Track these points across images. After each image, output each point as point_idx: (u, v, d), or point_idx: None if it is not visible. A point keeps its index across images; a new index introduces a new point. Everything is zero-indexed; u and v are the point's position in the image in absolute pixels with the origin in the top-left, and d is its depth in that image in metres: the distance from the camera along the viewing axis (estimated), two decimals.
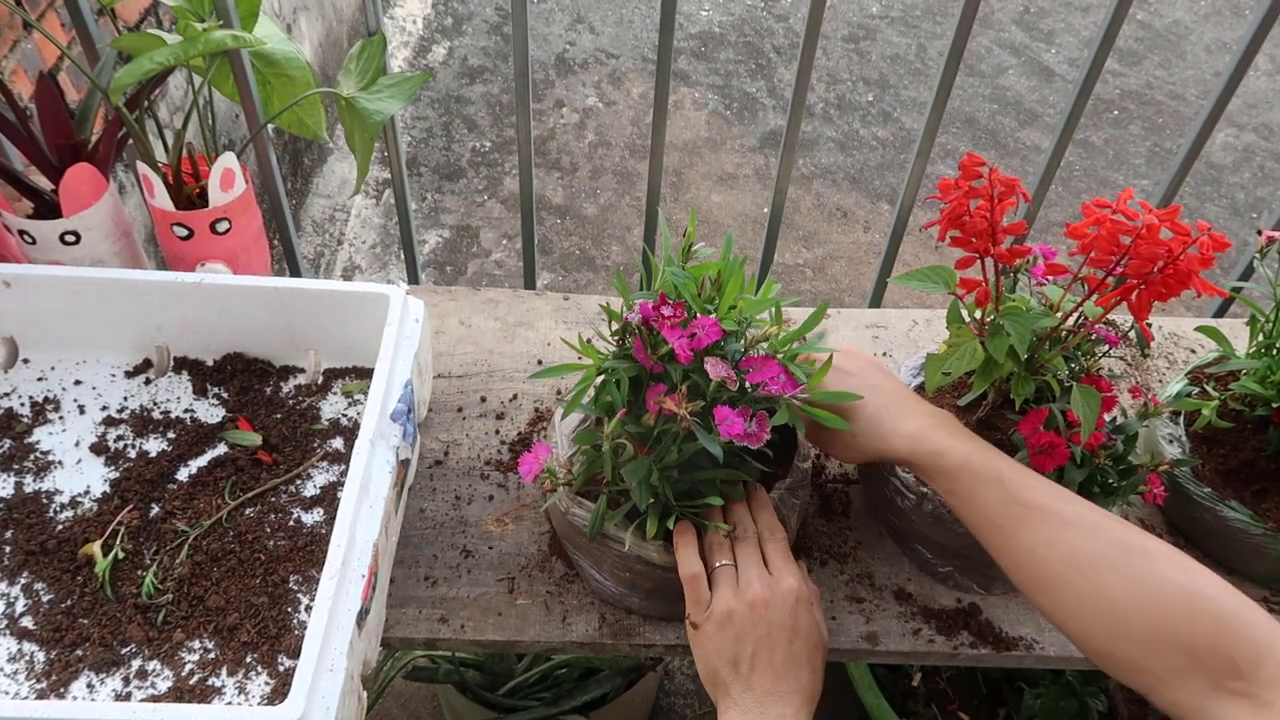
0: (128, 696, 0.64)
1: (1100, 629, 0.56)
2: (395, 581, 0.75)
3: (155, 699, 0.64)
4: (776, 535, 0.67)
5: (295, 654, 0.67)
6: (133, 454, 0.78)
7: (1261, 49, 1.19)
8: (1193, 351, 1.01)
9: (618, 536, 0.67)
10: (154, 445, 0.79)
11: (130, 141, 0.83)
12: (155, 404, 0.82)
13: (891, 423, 0.66)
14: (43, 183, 0.83)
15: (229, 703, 0.64)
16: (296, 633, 0.68)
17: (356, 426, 0.82)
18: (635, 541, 0.66)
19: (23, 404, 0.81)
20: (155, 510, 0.75)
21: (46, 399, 0.81)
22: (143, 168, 0.81)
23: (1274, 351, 0.77)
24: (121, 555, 0.71)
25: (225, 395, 0.83)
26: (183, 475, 0.77)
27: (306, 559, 0.72)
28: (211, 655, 0.67)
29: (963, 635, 0.75)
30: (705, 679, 0.64)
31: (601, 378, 0.64)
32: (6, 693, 0.64)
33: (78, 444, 0.79)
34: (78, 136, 0.81)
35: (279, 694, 0.65)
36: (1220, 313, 1.16)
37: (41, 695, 0.64)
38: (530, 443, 0.85)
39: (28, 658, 0.66)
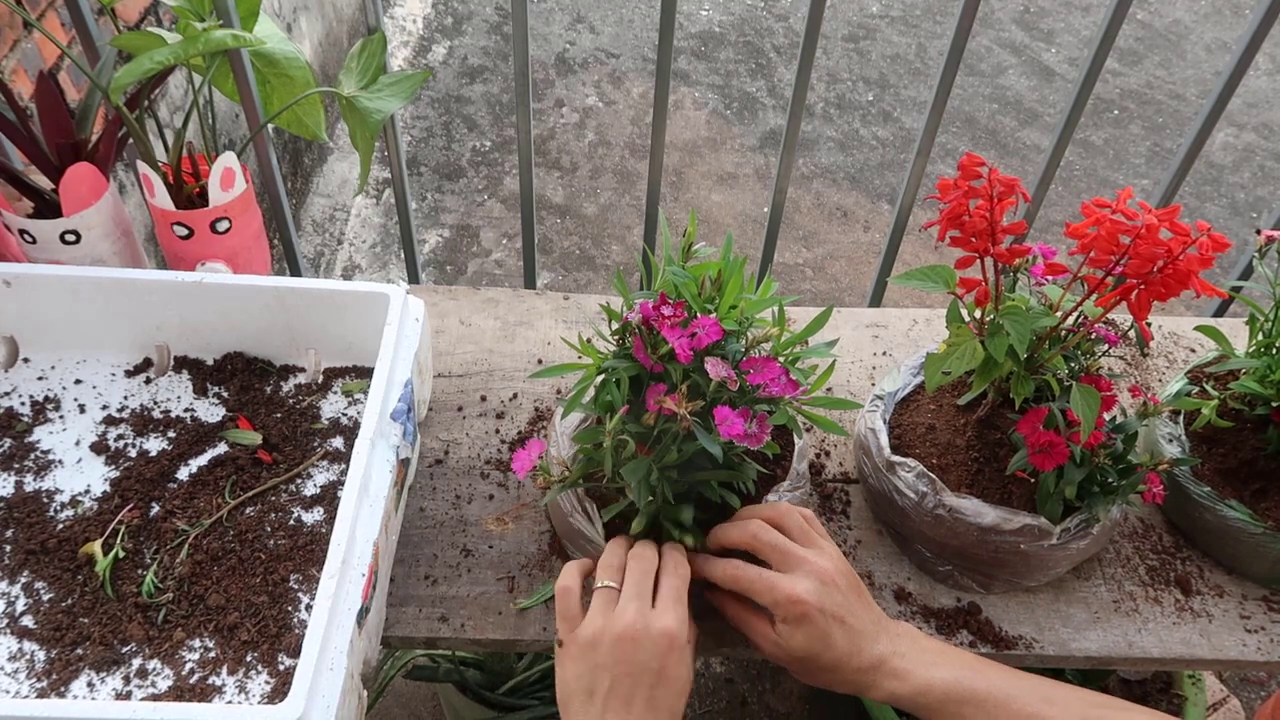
0: (128, 695, 0.64)
1: None
2: (395, 580, 0.75)
3: (155, 698, 0.64)
4: (678, 572, 0.63)
5: (295, 653, 0.67)
6: (133, 453, 0.79)
7: (1261, 49, 1.19)
8: (1192, 351, 1.01)
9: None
10: (154, 444, 0.79)
11: (130, 141, 0.83)
12: (155, 403, 0.82)
13: (858, 676, 0.62)
14: (43, 182, 0.83)
15: (229, 702, 0.64)
16: (297, 631, 0.68)
17: (356, 426, 0.82)
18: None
19: (23, 403, 0.81)
20: (155, 509, 0.75)
21: (47, 398, 0.82)
22: (143, 167, 0.81)
23: (1273, 350, 0.77)
24: (122, 554, 0.71)
25: (225, 394, 0.84)
26: (183, 474, 0.78)
27: (307, 558, 0.72)
28: (212, 654, 0.67)
29: (962, 634, 0.75)
30: (560, 706, 0.60)
31: (601, 377, 0.64)
32: (7, 692, 0.64)
33: (78, 443, 0.79)
34: (78, 136, 0.81)
35: (279, 693, 0.65)
36: (1220, 312, 1.16)
37: (42, 694, 0.64)
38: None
39: (28, 657, 0.66)
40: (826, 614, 0.61)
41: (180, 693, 0.64)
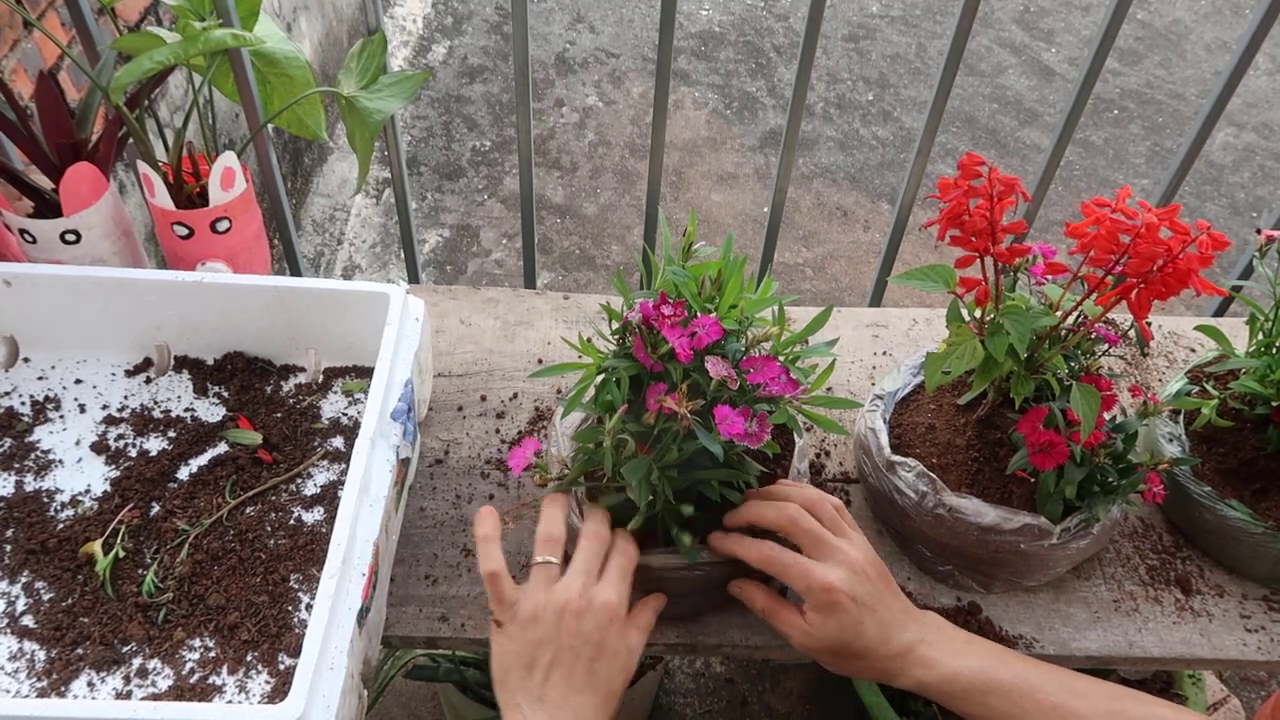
0: (128, 695, 0.64)
1: None
2: (395, 580, 0.75)
3: (156, 697, 0.64)
4: (626, 552, 0.63)
5: (295, 652, 0.67)
6: (133, 453, 0.79)
7: (1261, 48, 1.19)
8: (1192, 350, 1.01)
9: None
10: (154, 444, 0.79)
11: (130, 140, 0.83)
12: (156, 403, 0.82)
13: (886, 664, 0.63)
14: (43, 182, 0.83)
15: (229, 701, 0.64)
16: (297, 631, 0.68)
17: (357, 425, 0.82)
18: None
19: (23, 403, 0.81)
20: (156, 509, 0.75)
21: (47, 398, 0.82)
22: (143, 167, 0.81)
23: (1274, 350, 0.77)
24: (122, 554, 0.71)
25: (226, 394, 0.84)
26: (183, 474, 0.78)
27: (307, 557, 0.72)
28: (212, 654, 0.67)
29: (963, 631, 0.75)
30: (495, 682, 0.60)
31: (601, 377, 0.64)
32: (7, 691, 0.64)
33: (78, 443, 0.79)
34: (78, 136, 0.81)
35: (279, 692, 0.65)
36: (1220, 312, 1.16)
37: (42, 694, 0.64)
38: None
39: (28, 656, 0.66)
40: (858, 602, 0.62)
41: (180, 692, 0.64)
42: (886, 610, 0.63)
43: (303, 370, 0.86)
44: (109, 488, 0.76)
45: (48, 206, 0.82)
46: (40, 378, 0.83)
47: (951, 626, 0.66)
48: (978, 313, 0.67)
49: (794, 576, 0.63)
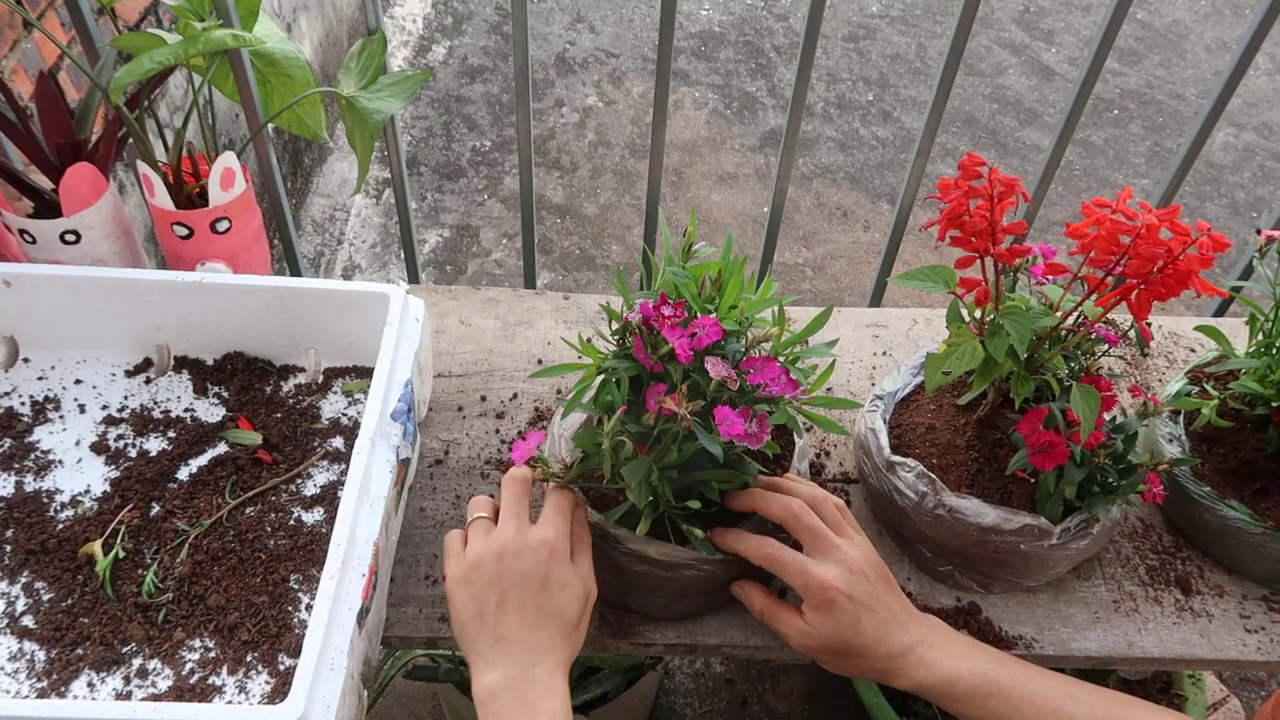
0: (128, 695, 0.64)
1: None
2: (395, 580, 0.75)
3: (156, 698, 0.64)
4: (561, 493, 0.65)
5: (295, 653, 0.67)
6: (133, 453, 0.79)
7: (1261, 48, 1.19)
8: (1192, 350, 1.01)
9: (616, 535, 0.67)
10: (154, 444, 0.79)
11: (130, 141, 0.83)
12: (155, 403, 0.82)
13: (885, 664, 0.63)
14: (43, 182, 0.83)
15: (229, 702, 0.64)
16: (297, 631, 0.68)
17: (357, 426, 0.82)
18: (635, 538, 0.66)
19: (23, 403, 0.81)
20: (156, 509, 0.75)
21: (47, 398, 0.82)
22: (143, 167, 0.81)
23: (1274, 350, 0.77)
24: (122, 554, 0.71)
25: (225, 394, 0.84)
26: (183, 474, 0.78)
27: (307, 558, 0.72)
28: (212, 654, 0.67)
29: (962, 634, 0.75)
30: (457, 638, 0.62)
31: (601, 377, 0.64)
32: (7, 692, 0.64)
33: (78, 443, 0.79)
34: (78, 136, 0.81)
35: (279, 693, 0.65)
36: (1220, 312, 1.16)
37: (42, 694, 0.64)
38: None
39: (28, 657, 0.66)
40: (855, 601, 0.62)
41: (180, 693, 0.64)
42: (885, 610, 0.63)
43: (303, 370, 0.86)
44: (109, 488, 0.76)
45: (48, 207, 0.82)
46: (40, 378, 0.83)
47: (951, 629, 0.66)
48: (978, 313, 0.67)
49: (792, 574, 0.63)
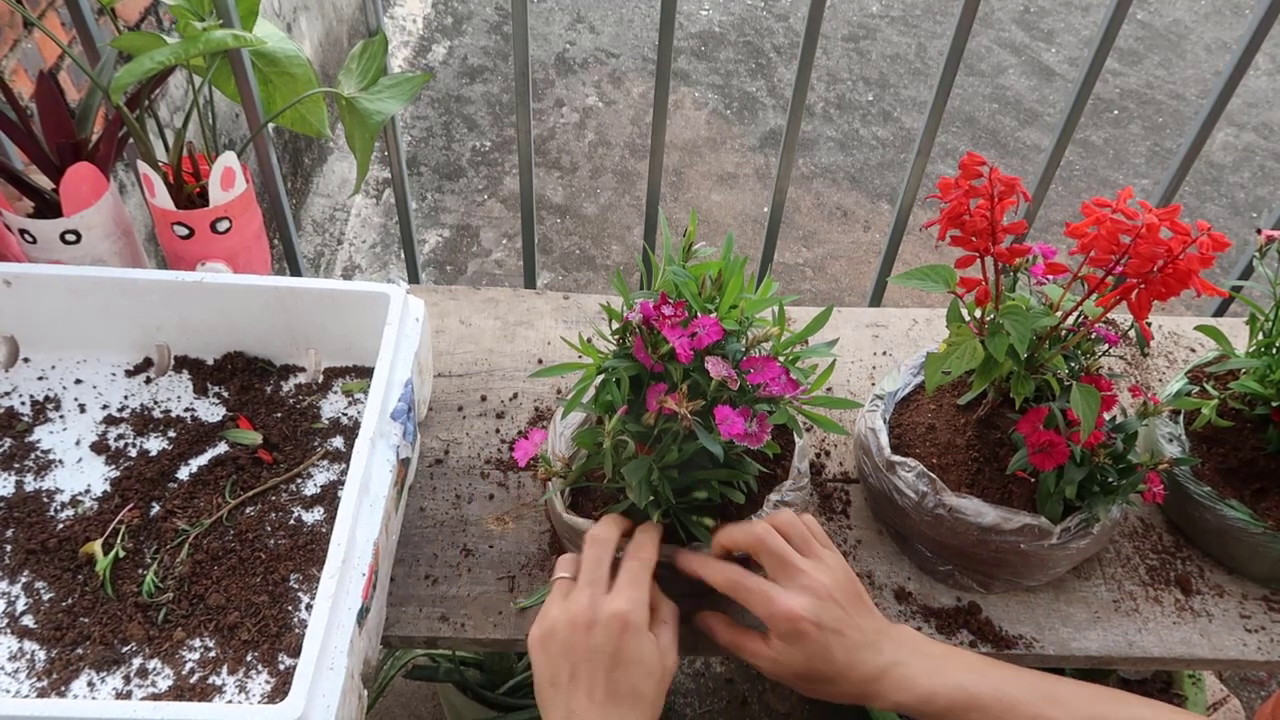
0: (128, 695, 0.64)
1: None
2: (395, 580, 0.75)
3: (156, 697, 0.64)
4: (639, 555, 0.62)
5: (295, 652, 0.67)
6: (133, 453, 0.79)
7: (1261, 48, 1.19)
8: (1192, 350, 1.01)
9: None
10: (154, 444, 0.79)
11: (130, 141, 0.83)
12: (156, 403, 0.82)
13: (860, 688, 0.62)
14: (43, 182, 0.83)
15: (229, 701, 0.64)
16: (297, 631, 0.68)
17: (357, 425, 0.82)
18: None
19: (23, 403, 0.81)
20: (156, 509, 0.75)
21: (47, 398, 0.82)
22: (143, 167, 0.81)
23: (1274, 350, 0.77)
24: (122, 554, 0.71)
25: (226, 394, 0.84)
26: (183, 474, 0.78)
27: (307, 557, 0.72)
28: (212, 654, 0.67)
29: (963, 634, 0.75)
30: (536, 698, 0.60)
31: (601, 377, 0.64)
32: (7, 691, 0.64)
33: (78, 443, 0.79)
34: (78, 136, 0.81)
35: (279, 692, 0.65)
36: (1220, 312, 1.16)
37: (42, 694, 0.64)
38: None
39: (28, 656, 0.66)
40: (823, 628, 0.60)
41: (180, 692, 0.64)
42: (856, 633, 0.61)
43: (303, 370, 0.86)
44: (109, 488, 0.76)
45: (48, 206, 0.82)
46: (40, 378, 0.83)
47: (927, 641, 0.64)
48: (978, 313, 0.67)
49: (756, 603, 0.61)
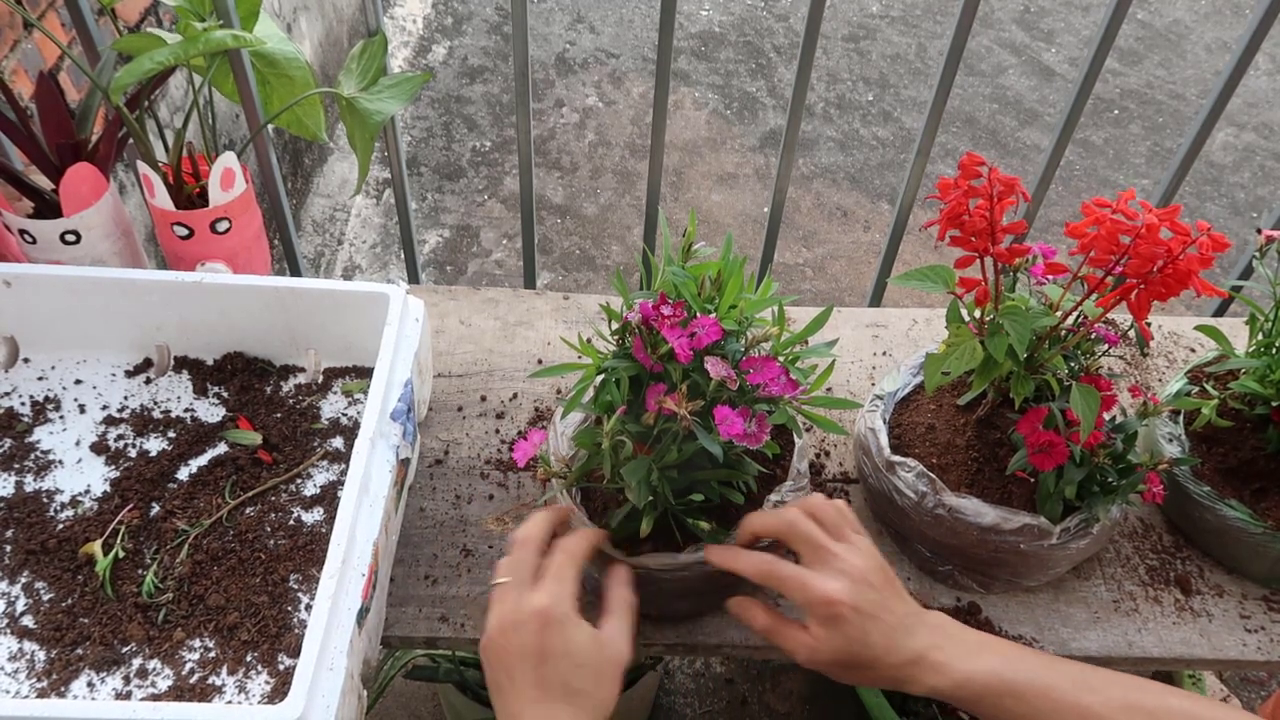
0: (128, 695, 0.64)
1: None
2: (395, 580, 0.75)
3: (156, 698, 0.64)
4: (566, 547, 0.62)
5: (295, 653, 0.67)
6: (133, 453, 0.79)
7: (1261, 48, 1.19)
8: (1192, 350, 1.01)
9: (612, 554, 0.67)
10: (154, 444, 0.79)
11: (130, 141, 0.83)
12: (155, 403, 0.82)
13: (896, 672, 0.61)
14: (43, 182, 0.83)
15: (229, 701, 0.64)
16: (296, 631, 0.68)
17: (356, 426, 0.82)
18: (622, 555, 0.66)
19: (23, 403, 0.81)
20: (155, 509, 0.75)
21: (47, 398, 0.82)
22: (143, 167, 0.81)
23: (1273, 350, 0.77)
24: (122, 554, 0.71)
25: (225, 394, 0.84)
26: (183, 474, 0.78)
27: (306, 558, 0.72)
28: (212, 654, 0.67)
29: (973, 630, 0.75)
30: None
31: (601, 377, 0.64)
32: (7, 691, 0.64)
33: (78, 443, 0.79)
34: (78, 136, 0.81)
35: (279, 693, 0.65)
36: (1220, 312, 1.16)
37: (42, 694, 0.64)
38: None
39: (28, 657, 0.66)
40: (861, 612, 0.60)
41: (180, 693, 0.64)
42: (892, 616, 0.61)
43: (302, 370, 0.86)
44: (109, 488, 0.76)
45: (48, 207, 0.82)
46: (40, 378, 0.83)
47: (961, 627, 0.63)
48: (977, 313, 0.67)
49: (792, 589, 0.61)
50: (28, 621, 0.68)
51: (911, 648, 0.61)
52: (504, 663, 0.58)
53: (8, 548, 0.72)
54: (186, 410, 0.82)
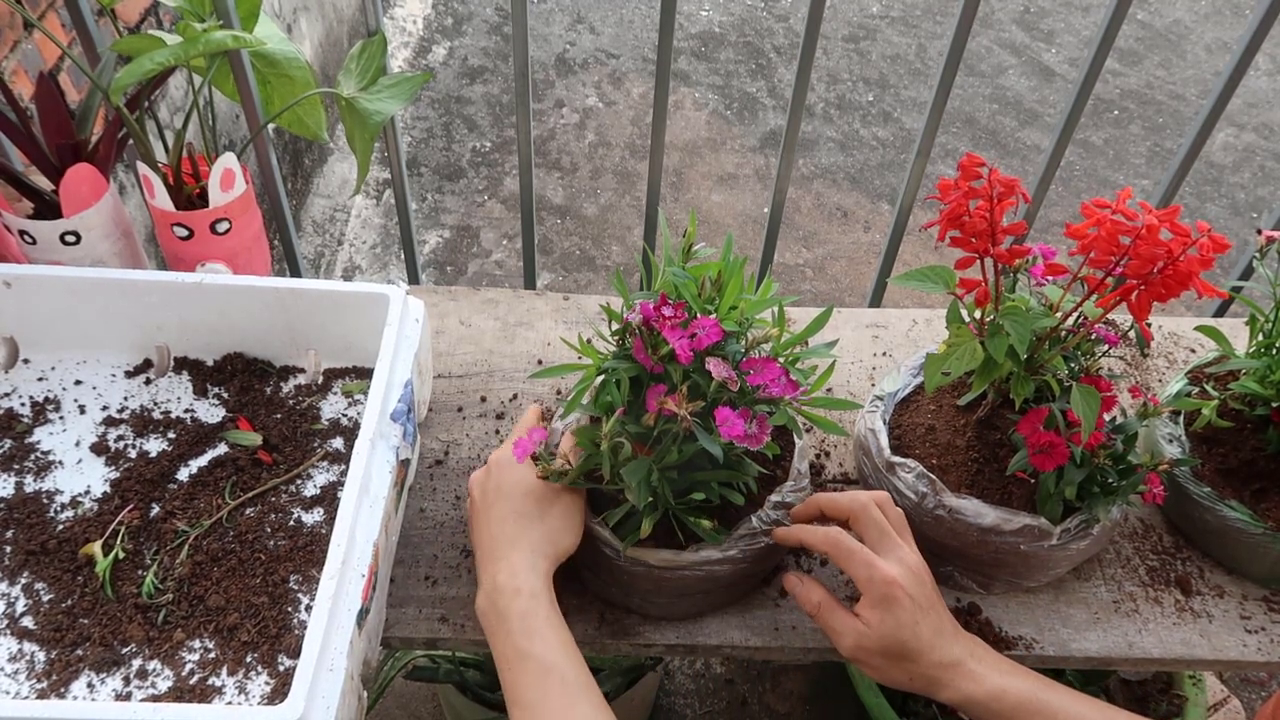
0: (128, 696, 0.64)
1: None
2: (395, 581, 0.75)
3: (155, 699, 0.64)
4: (521, 420, 0.73)
5: (295, 654, 0.67)
6: (133, 454, 0.79)
7: (1261, 49, 1.19)
8: (1192, 351, 1.01)
9: (611, 542, 0.67)
10: (154, 445, 0.79)
11: (130, 142, 0.83)
12: (155, 404, 0.82)
13: (935, 672, 0.63)
14: (43, 183, 0.83)
15: (229, 702, 0.64)
16: (296, 632, 0.68)
17: (356, 426, 0.82)
18: (629, 547, 0.66)
19: (23, 404, 0.81)
20: (155, 510, 0.75)
21: (47, 399, 0.82)
22: (143, 168, 0.81)
23: (1274, 351, 0.77)
24: (122, 555, 0.71)
25: (225, 395, 0.84)
26: (183, 475, 0.78)
27: (306, 559, 0.72)
28: (212, 655, 0.67)
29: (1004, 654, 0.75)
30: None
31: (601, 378, 0.64)
32: (7, 692, 0.64)
33: (78, 444, 0.79)
34: (78, 137, 0.81)
35: (279, 694, 0.65)
36: (1220, 312, 1.16)
37: (42, 695, 0.64)
38: None
39: (28, 657, 0.66)
40: (916, 601, 0.62)
41: (180, 693, 0.64)
42: (938, 618, 0.64)
43: (302, 371, 0.86)
44: (109, 489, 0.76)
45: (48, 207, 0.82)
46: (40, 379, 0.83)
47: (994, 649, 0.66)
48: (978, 314, 0.67)
49: (858, 564, 0.63)
50: (28, 622, 0.68)
51: (953, 653, 0.63)
52: (473, 521, 0.68)
53: (8, 548, 0.72)
54: (186, 411, 0.82)
